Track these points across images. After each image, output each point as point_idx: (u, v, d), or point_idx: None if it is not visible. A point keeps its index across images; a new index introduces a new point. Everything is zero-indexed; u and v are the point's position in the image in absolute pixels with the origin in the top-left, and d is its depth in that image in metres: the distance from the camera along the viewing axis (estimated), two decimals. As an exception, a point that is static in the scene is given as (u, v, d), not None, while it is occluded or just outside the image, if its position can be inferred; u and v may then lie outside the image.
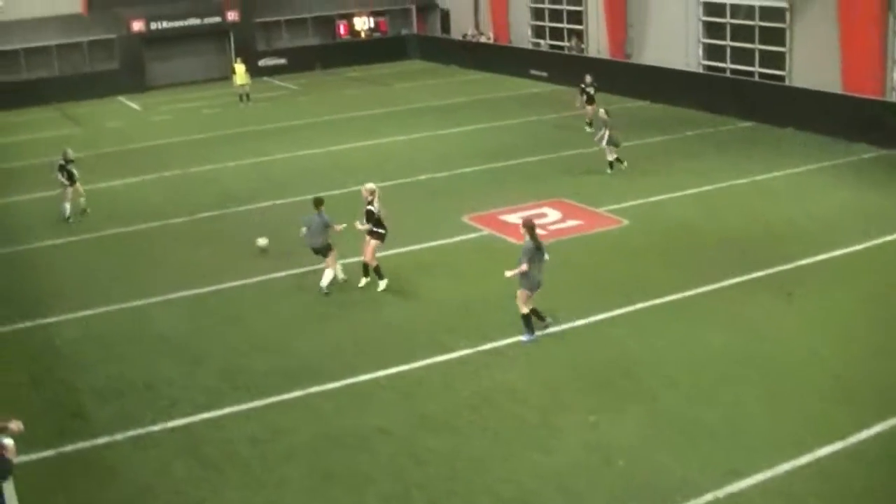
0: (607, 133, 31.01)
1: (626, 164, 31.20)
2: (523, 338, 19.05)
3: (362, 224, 21.87)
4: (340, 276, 22.40)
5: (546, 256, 19.11)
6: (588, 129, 36.95)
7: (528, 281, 18.77)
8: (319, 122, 43.01)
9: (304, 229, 21.85)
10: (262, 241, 24.64)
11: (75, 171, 29.25)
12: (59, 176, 29.02)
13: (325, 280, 21.88)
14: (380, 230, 21.90)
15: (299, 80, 56.04)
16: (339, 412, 16.69)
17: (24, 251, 25.76)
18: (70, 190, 28.99)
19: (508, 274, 18.78)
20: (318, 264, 22.45)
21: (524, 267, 18.54)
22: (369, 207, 21.77)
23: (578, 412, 16.25)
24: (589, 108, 37.55)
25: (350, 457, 15.23)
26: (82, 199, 29.35)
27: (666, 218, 26.32)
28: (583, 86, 37.84)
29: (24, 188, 33.30)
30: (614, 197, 28.21)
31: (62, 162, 29.16)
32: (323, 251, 21.87)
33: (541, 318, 19.19)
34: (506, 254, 23.66)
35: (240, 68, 49.66)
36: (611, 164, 31.19)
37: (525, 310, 18.95)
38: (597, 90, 37.92)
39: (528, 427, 15.91)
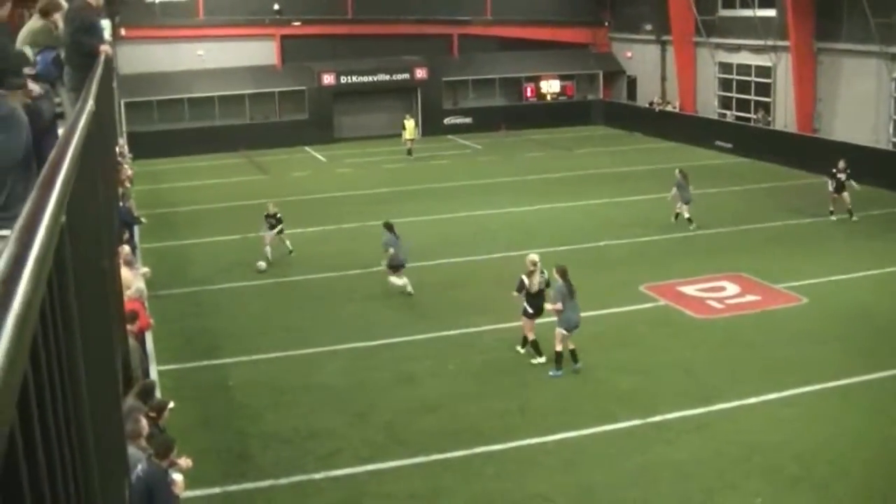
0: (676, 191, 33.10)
1: (693, 225, 32.68)
2: (551, 372, 20.43)
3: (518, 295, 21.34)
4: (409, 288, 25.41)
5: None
6: (833, 218, 34.15)
7: (565, 321, 20.18)
8: (498, 183, 43.17)
9: (391, 249, 23.55)
10: (262, 265, 27.40)
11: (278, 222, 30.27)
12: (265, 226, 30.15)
13: (401, 281, 25.34)
14: (528, 307, 21.22)
15: (482, 140, 56.44)
16: (499, 476, 16.50)
17: (205, 292, 26.39)
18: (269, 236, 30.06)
19: (549, 307, 20.52)
20: (480, 326, 22.55)
21: (559, 306, 20.18)
22: (525, 279, 21.26)
23: (745, 494, 15.72)
24: (837, 195, 33.98)
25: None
26: (287, 243, 30.55)
27: (846, 299, 25.45)
28: (834, 171, 34.18)
29: (211, 230, 34.23)
30: (795, 274, 27.45)
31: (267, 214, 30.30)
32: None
33: (573, 358, 20.46)
34: (682, 326, 23.34)
35: (409, 123, 52.06)
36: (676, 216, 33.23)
37: (559, 347, 20.24)
38: (849, 177, 33.84)
39: (692, 504, 15.47)
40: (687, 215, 32.99)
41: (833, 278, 27.22)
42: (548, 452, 17.30)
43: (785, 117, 48.24)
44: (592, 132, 59.37)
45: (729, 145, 49.48)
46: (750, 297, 25.58)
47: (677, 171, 33.68)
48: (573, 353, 20.23)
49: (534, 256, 21.63)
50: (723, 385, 19.70)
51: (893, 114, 42.13)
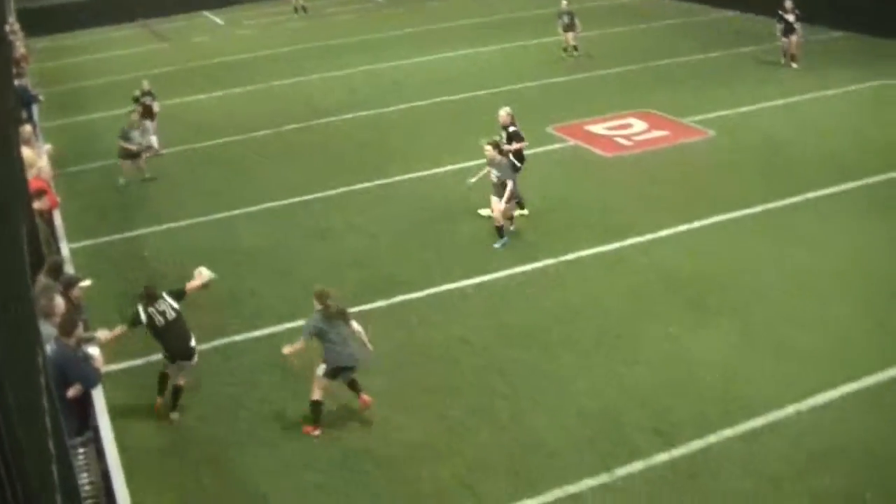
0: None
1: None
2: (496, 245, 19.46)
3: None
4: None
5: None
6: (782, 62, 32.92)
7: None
8: (405, 35, 42.75)
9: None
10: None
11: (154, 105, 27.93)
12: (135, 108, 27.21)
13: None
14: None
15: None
16: (422, 323, 16.77)
17: (115, 166, 25.97)
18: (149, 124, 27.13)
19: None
20: (394, 176, 22.61)
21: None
22: (513, 129, 21.12)
23: (662, 324, 16.14)
24: (785, 39, 32.49)
25: (434, 367, 15.34)
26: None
27: (752, 129, 25.83)
28: (780, 12, 32.69)
29: (115, 103, 33.62)
30: (703, 108, 27.73)
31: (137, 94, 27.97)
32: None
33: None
34: (592, 165, 23.62)
35: None
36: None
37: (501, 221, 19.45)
38: (798, 18, 32.22)
39: (611, 339, 15.85)
40: (573, 44, 34.23)
41: (741, 110, 27.54)
42: (467, 296, 17.55)
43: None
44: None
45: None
46: (658, 133, 25.82)
47: (564, 2, 34.57)
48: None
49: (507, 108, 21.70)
50: (636, 220, 20.03)
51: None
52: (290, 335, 15.25)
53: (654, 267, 18.29)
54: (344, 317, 13.78)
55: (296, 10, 51.06)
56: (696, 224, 20.01)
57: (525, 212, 20.67)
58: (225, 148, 27.62)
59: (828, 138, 24.86)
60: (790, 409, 13.61)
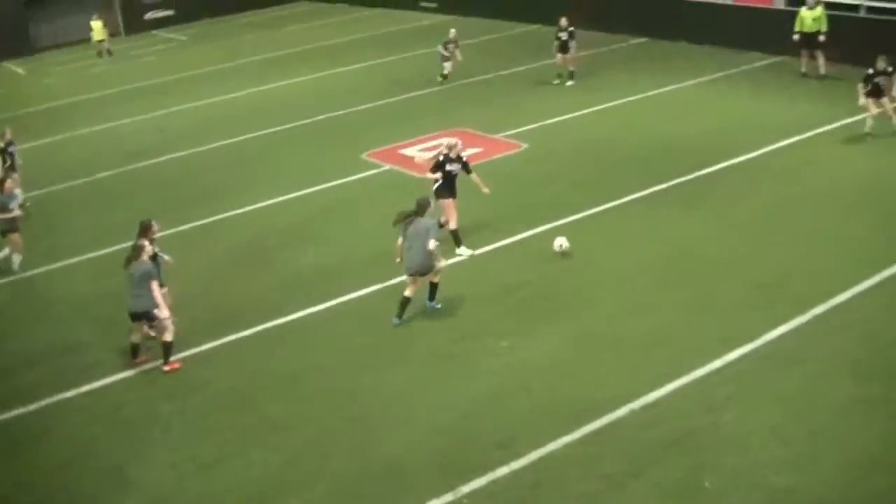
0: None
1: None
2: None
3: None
4: None
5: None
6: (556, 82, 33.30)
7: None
8: (213, 72, 42.30)
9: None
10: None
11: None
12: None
13: None
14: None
15: (188, 31, 55.00)
16: (265, 355, 16.67)
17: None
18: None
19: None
20: (220, 214, 22.38)
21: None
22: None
23: (495, 337, 16.34)
24: (560, 55, 33.07)
25: (280, 396, 15.24)
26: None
27: (565, 138, 26.44)
28: (557, 29, 33.21)
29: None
30: (513, 122, 28.22)
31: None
32: None
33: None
34: (408, 188, 23.66)
35: (96, 24, 50.23)
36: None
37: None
38: (572, 36, 32.75)
39: (447, 357, 16.01)
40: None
41: (551, 121, 28.14)
42: (306, 327, 17.47)
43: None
44: (297, 9, 58.48)
45: (434, 5, 49.75)
46: (472, 150, 26.02)
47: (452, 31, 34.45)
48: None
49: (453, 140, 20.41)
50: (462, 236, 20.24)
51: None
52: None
53: (482, 280, 18.50)
54: None
55: (99, 54, 49.87)
56: (518, 236, 20.34)
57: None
58: (43, 200, 26.63)
59: (637, 142, 25.60)
60: (624, 409, 13.93)
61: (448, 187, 19.76)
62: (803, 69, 31.23)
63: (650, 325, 16.29)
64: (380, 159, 26.19)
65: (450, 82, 34.01)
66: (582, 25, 35.24)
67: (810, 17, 30.71)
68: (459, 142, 20.34)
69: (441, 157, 19.90)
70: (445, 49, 33.89)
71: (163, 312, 15.79)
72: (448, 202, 19.70)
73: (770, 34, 33.79)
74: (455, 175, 19.78)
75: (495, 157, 25.47)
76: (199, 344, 17.09)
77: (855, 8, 32.80)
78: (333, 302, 18.31)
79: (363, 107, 32.31)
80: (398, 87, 34.04)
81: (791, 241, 18.76)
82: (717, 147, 24.55)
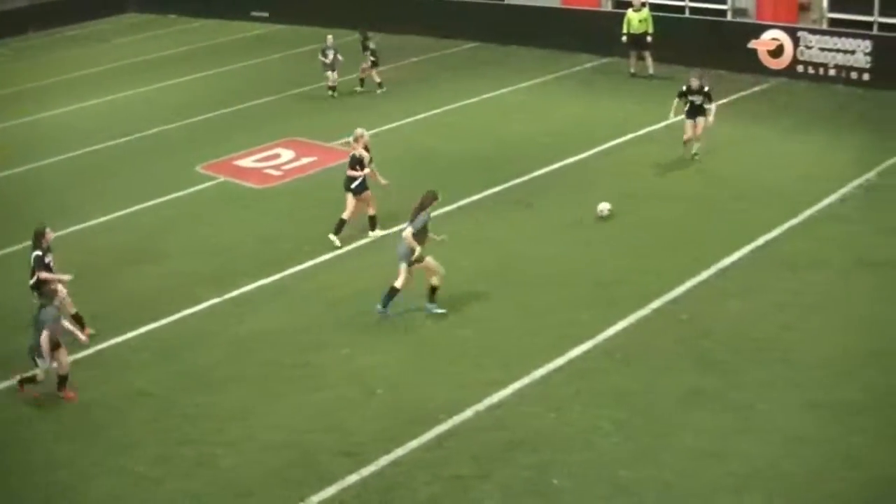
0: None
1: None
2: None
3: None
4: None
5: None
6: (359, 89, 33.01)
7: None
8: (34, 88, 40.94)
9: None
10: None
11: None
12: None
13: None
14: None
15: (12, 46, 53.14)
16: (97, 379, 16.05)
17: None
18: None
19: None
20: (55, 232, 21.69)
21: None
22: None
23: (335, 347, 16.18)
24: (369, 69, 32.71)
25: (114, 420, 14.74)
26: None
27: (398, 145, 26.32)
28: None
29: None
30: (347, 129, 27.96)
31: None
32: None
33: None
34: (245, 199, 23.44)
35: None
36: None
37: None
38: (375, 54, 32.57)
39: (288, 369, 15.75)
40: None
41: (387, 126, 27.98)
42: (136, 349, 16.95)
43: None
44: (128, 20, 57.08)
45: (265, 14, 49.25)
46: (306, 160, 25.88)
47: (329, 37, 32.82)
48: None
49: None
50: (294, 248, 20.03)
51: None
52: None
53: (321, 291, 18.34)
54: None
55: None
56: (355, 245, 20.22)
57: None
58: None
59: (471, 147, 25.73)
60: (469, 411, 13.96)
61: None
62: (632, 70, 31.89)
63: (487, 328, 16.42)
64: (214, 171, 25.71)
65: (276, 93, 33.58)
66: (415, 31, 35.41)
67: (637, 19, 31.42)
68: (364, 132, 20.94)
69: (359, 155, 20.40)
70: (325, 57, 32.92)
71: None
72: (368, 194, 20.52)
73: (598, 36, 34.36)
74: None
75: (330, 165, 25.23)
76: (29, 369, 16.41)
77: (680, 9, 33.72)
78: (167, 321, 17.78)
79: (196, 119, 31.66)
80: (231, 98, 33.47)
81: (626, 239, 19.08)
82: (551, 149, 24.87)
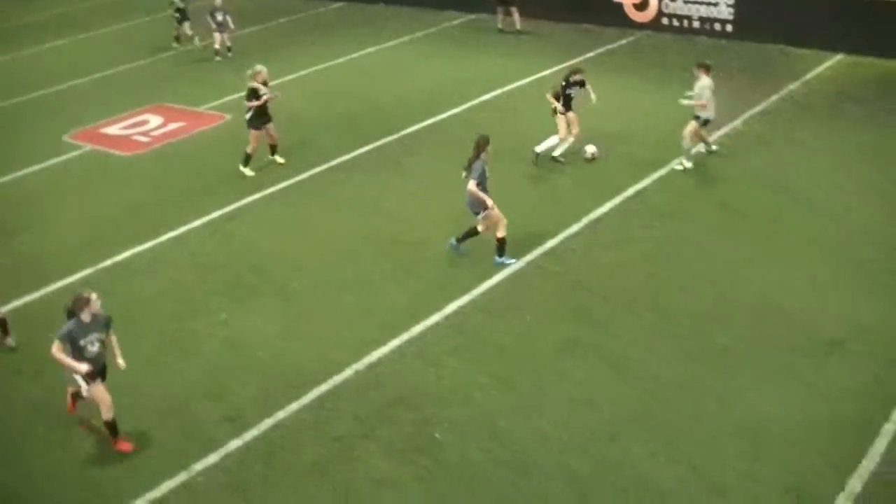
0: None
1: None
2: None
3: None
4: None
5: None
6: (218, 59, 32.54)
7: None
8: None
9: None
10: None
11: None
12: None
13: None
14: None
15: None
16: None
17: None
18: None
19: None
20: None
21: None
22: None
23: (211, 313, 16.08)
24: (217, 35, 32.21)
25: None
26: None
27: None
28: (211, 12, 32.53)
29: None
30: (214, 94, 27.73)
31: None
32: None
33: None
34: (114, 167, 23.05)
35: None
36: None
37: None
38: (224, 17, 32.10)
39: (166, 335, 15.61)
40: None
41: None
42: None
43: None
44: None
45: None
46: (174, 125, 25.53)
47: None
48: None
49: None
50: (166, 215, 19.79)
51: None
52: None
53: (194, 258, 18.16)
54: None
55: None
56: (228, 208, 20.05)
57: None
58: None
59: (341, 108, 25.70)
60: (348, 371, 14.04)
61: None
62: (500, 25, 32.11)
63: (364, 289, 16.46)
64: (81, 140, 25.20)
65: (140, 59, 33.02)
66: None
67: (506, -23, 31.63)
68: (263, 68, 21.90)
69: (253, 87, 21.43)
70: (213, 18, 31.92)
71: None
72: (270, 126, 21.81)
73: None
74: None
75: (199, 129, 24.98)
76: None
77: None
78: (38, 294, 17.35)
79: (62, 86, 30.92)
80: (99, 64, 32.78)
81: (499, 193, 19.24)
82: (422, 105, 25.02)
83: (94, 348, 12.58)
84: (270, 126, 21.79)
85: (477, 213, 16.87)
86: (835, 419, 12.51)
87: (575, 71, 21.30)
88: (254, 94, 21.36)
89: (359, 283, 16.57)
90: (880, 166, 20.16)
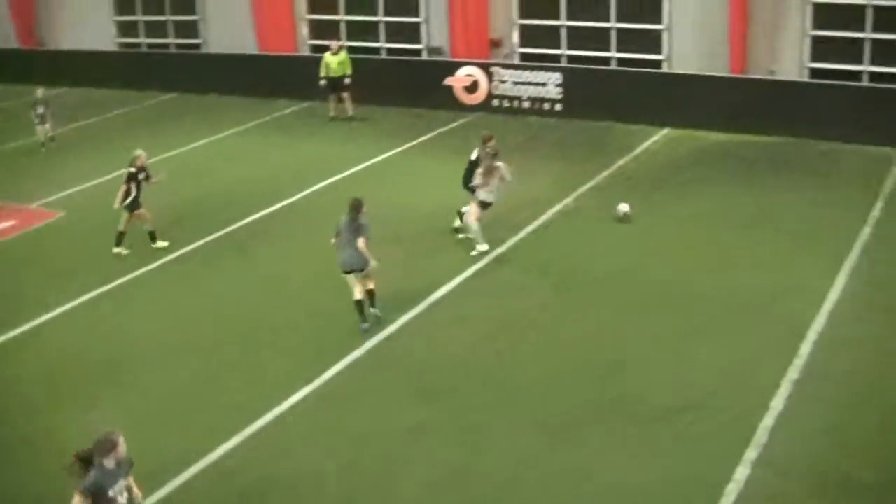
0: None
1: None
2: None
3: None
4: None
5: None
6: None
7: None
8: None
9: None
10: None
11: None
12: None
13: None
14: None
15: None
16: None
17: None
18: None
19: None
20: None
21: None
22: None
23: (77, 401, 15.77)
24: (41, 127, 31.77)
25: None
26: None
27: (105, 201, 25.58)
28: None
29: None
30: (47, 190, 27.08)
31: None
32: None
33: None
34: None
35: None
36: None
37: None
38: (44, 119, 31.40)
39: (22, 430, 15.07)
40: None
41: (89, 184, 27.24)
42: None
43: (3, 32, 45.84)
44: None
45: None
46: (5, 224, 24.78)
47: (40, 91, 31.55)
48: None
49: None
50: (21, 307, 19.38)
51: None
52: None
53: (40, 353, 17.67)
54: None
55: None
56: (85, 297, 19.75)
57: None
58: None
59: (175, 200, 25.20)
60: (200, 465, 13.74)
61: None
62: (332, 113, 32.43)
63: (206, 382, 16.27)
64: None
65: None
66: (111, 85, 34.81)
67: (335, 62, 31.99)
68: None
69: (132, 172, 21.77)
70: (35, 111, 31.26)
71: None
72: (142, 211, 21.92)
73: (297, 81, 34.78)
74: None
75: (32, 227, 24.38)
76: None
77: (377, 50, 34.56)
78: None
79: None
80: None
81: (338, 281, 19.21)
82: (258, 195, 24.94)
83: (122, 500, 10.45)
84: (142, 211, 21.90)
85: (362, 270, 17.25)
86: (684, 480, 12.81)
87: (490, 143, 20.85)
88: (133, 179, 21.61)
89: (201, 378, 16.31)
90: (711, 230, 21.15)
